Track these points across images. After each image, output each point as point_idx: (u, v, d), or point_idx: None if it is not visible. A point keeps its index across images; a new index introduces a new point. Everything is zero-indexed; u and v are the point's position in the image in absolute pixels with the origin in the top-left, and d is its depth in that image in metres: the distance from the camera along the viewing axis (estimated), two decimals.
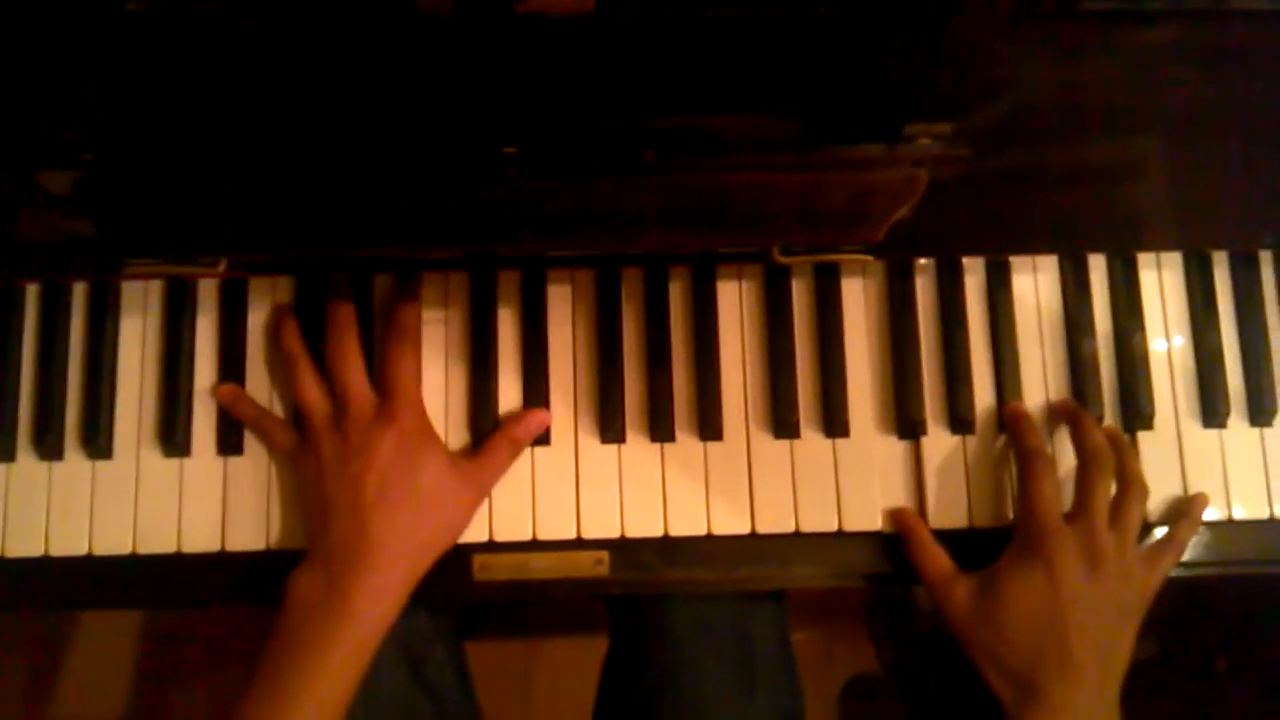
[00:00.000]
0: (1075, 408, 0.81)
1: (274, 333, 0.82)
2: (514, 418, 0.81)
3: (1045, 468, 0.76)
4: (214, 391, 0.81)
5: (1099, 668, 0.73)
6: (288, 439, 0.79)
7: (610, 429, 0.81)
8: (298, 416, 0.80)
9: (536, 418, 0.81)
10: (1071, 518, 0.75)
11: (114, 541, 0.79)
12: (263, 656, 0.72)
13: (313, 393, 0.79)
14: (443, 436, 0.81)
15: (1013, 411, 0.81)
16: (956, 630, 0.76)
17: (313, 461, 0.77)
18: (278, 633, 0.72)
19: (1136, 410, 0.81)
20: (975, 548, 0.78)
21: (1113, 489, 0.77)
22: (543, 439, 0.81)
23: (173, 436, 0.80)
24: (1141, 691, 1.49)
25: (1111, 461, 0.77)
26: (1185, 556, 0.80)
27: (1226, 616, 1.44)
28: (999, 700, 0.74)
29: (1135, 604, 0.75)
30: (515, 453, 0.80)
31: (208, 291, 0.82)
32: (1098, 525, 0.74)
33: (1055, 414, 0.82)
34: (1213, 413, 0.82)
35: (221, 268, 0.72)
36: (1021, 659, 0.73)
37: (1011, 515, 0.80)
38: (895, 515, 0.80)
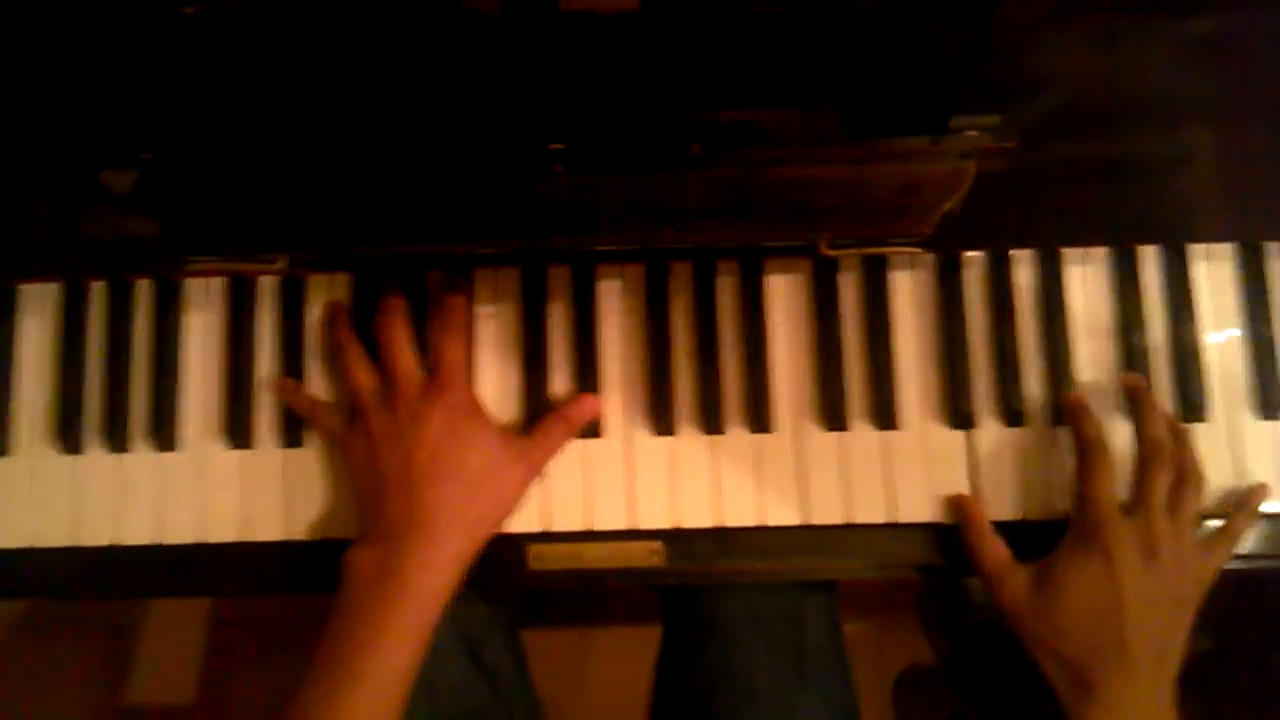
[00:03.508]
0: (1142, 390, 0.79)
1: (328, 325, 0.84)
2: (569, 400, 0.81)
3: (1104, 458, 0.76)
4: (269, 384, 0.83)
5: (1155, 660, 0.72)
6: (336, 422, 0.80)
7: (661, 421, 0.81)
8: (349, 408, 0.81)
9: (590, 401, 0.81)
10: (1129, 509, 0.75)
11: (182, 530, 0.82)
12: (324, 635, 0.73)
13: (363, 373, 0.80)
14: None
15: (1071, 401, 0.80)
16: (1012, 620, 0.76)
17: (362, 439, 0.78)
18: (337, 611, 0.73)
19: (1189, 403, 0.81)
20: (1027, 540, 0.78)
21: (1170, 479, 0.76)
22: (594, 431, 0.82)
23: (237, 429, 0.82)
24: (1197, 685, 1.47)
25: (1170, 452, 0.76)
26: (1242, 549, 0.80)
27: None
28: (1055, 691, 0.74)
29: (1191, 595, 0.75)
30: (569, 433, 0.81)
31: (268, 289, 0.84)
32: (1155, 516, 0.74)
33: (1122, 389, 0.81)
34: (1267, 404, 0.81)
35: (280, 265, 0.74)
36: (1077, 650, 0.73)
37: (1062, 507, 0.80)
38: (955, 501, 0.80)
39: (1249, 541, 0.80)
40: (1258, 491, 0.80)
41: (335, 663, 0.71)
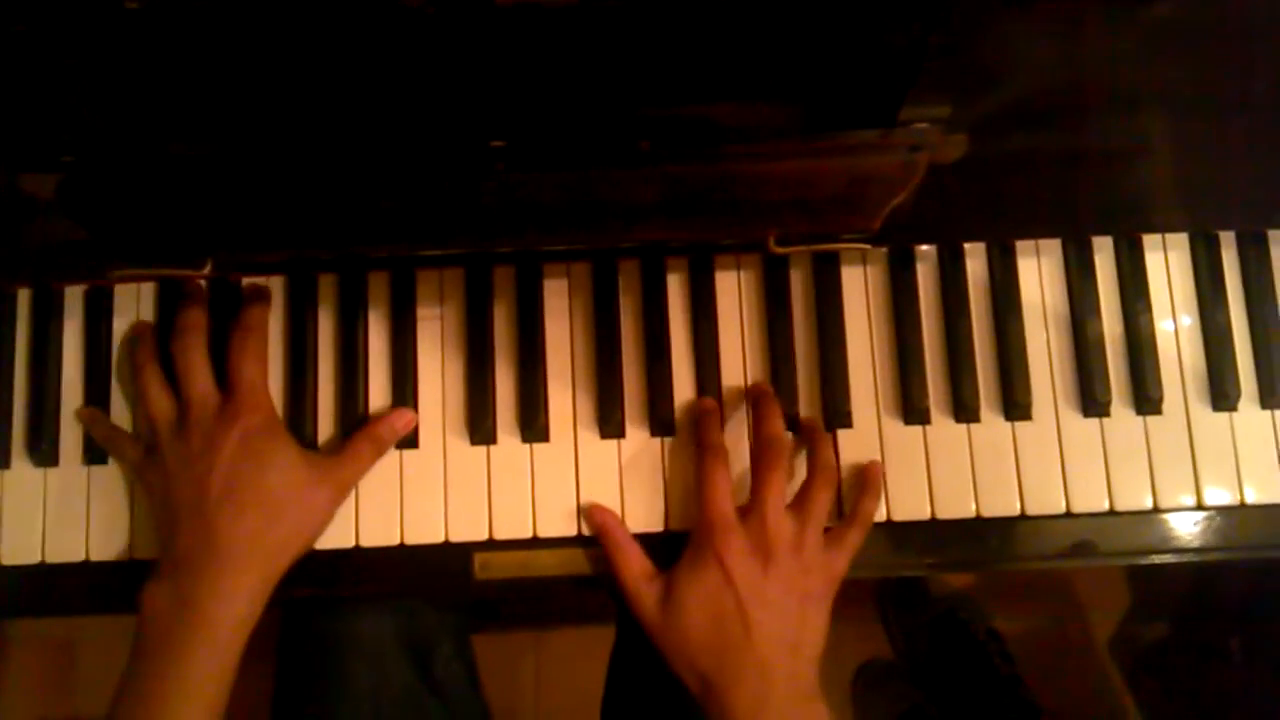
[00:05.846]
0: (763, 393, 0.79)
1: (130, 345, 0.81)
2: (379, 415, 0.79)
3: (717, 463, 0.75)
4: (75, 414, 0.81)
5: (787, 659, 0.71)
6: (135, 453, 0.78)
7: (609, 423, 0.80)
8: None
9: (403, 416, 0.79)
10: (744, 511, 0.74)
11: (112, 548, 0.79)
12: (125, 671, 0.70)
13: (157, 400, 0.77)
14: (439, 434, 0.80)
15: (700, 406, 0.79)
16: (648, 633, 0.74)
17: (160, 470, 0.75)
18: (137, 647, 0.70)
19: (1144, 394, 0.80)
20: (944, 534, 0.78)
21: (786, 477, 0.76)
22: (541, 436, 0.80)
23: None
24: (1158, 672, 1.49)
25: (784, 451, 0.76)
26: (1198, 543, 0.79)
27: (1241, 597, 1.43)
28: (698, 701, 0.72)
29: (820, 588, 0.73)
30: (379, 451, 0.78)
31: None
32: (769, 516, 0.73)
33: (746, 397, 0.80)
34: (1222, 395, 0.80)
35: (207, 270, 0.71)
36: (706, 659, 0.71)
37: (1001, 503, 0.79)
38: (592, 514, 0.79)
39: (1206, 534, 0.79)
40: (873, 470, 0.79)
41: (140, 699, 0.69)
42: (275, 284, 0.81)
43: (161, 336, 0.80)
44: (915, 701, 1.54)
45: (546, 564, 0.79)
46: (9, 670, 1.69)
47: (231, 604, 0.71)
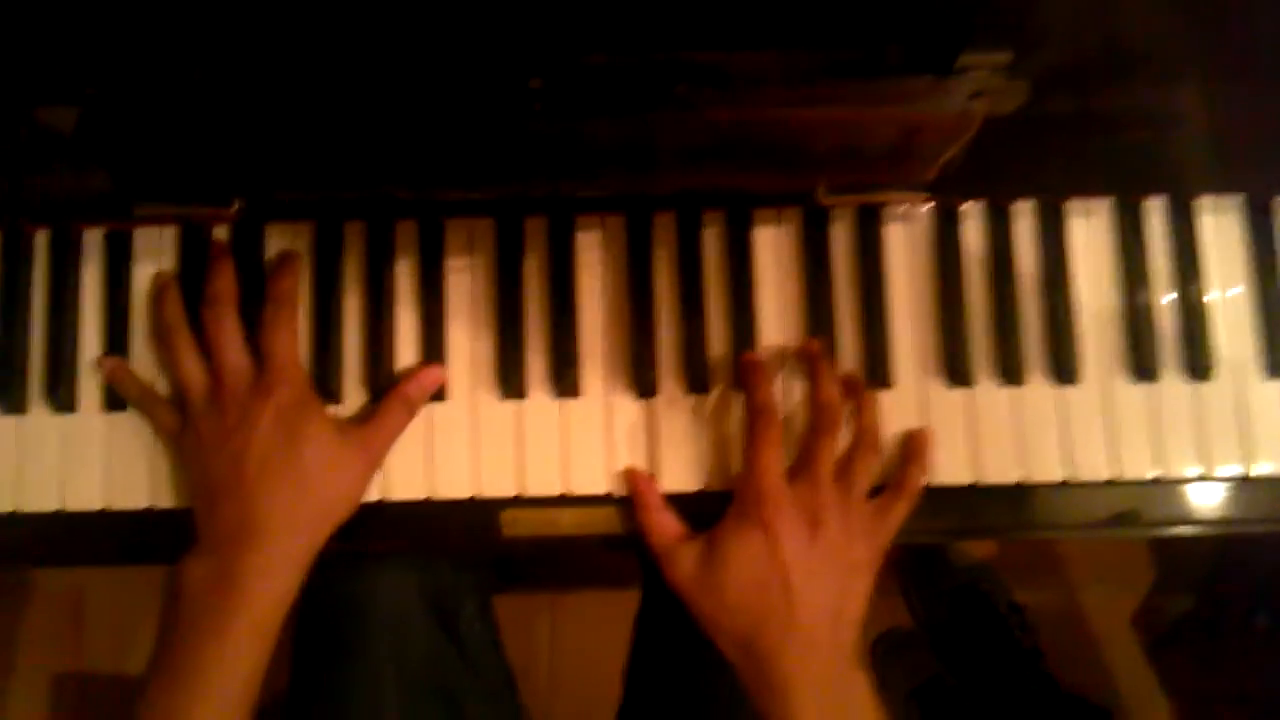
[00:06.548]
0: (816, 355, 0.77)
1: (155, 301, 0.79)
2: (407, 375, 0.77)
3: (770, 426, 0.73)
4: (97, 363, 0.78)
5: (829, 629, 0.70)
6: (171, 421, 0.76)
7: (643, 380, 0.78)
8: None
9: (431, 374, 0.77)
10: (792, 475, 0.73)
11: (131, 497, 0.77)
12: (160, 647, 0.69)
13: (190, 368, 0.75)
14: (466, 389, 0.78)
15: (746, 361, 0.77)
16: (682, 597, 0.73)
17: (194, 442, 0.74)
18: (173, 622, 0.69)
19: (1194, 361, 0.78)
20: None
21: (837, 444, 0.74)
22: (572, 391, 0.78)
23: None
24: (1182, 645, 1.47)
25: (838, 417, 0.74)
26: (1241, 514, 0.77)
27: (1267, 571, 1.42)
28: (735, 669, 0.71)
29: (865, 559, 0.72)
30: (410, 413, 0.77)
31: (223, 238, 0.79)
32: (819, 483, 0.72)
33: (797, 357, 0.78)
34: (1274, 364, 0.78)
35: (234, 210, 0.68)
36: (746, 626, 0.70)
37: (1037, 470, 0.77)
38: (626, 477, 0.77)
39: (1246, 506, 0.77)
40: (919, 438, 0.77)
41: (177, 675, 0.68)
42: (303, 230, 0.79)
43: (186, 289, 0.78)
44: (934, 672, 1.53)
45: (575, 522, 0.77)
46: (19, 623, 1.68)
47: (272, 580, 0.70)
